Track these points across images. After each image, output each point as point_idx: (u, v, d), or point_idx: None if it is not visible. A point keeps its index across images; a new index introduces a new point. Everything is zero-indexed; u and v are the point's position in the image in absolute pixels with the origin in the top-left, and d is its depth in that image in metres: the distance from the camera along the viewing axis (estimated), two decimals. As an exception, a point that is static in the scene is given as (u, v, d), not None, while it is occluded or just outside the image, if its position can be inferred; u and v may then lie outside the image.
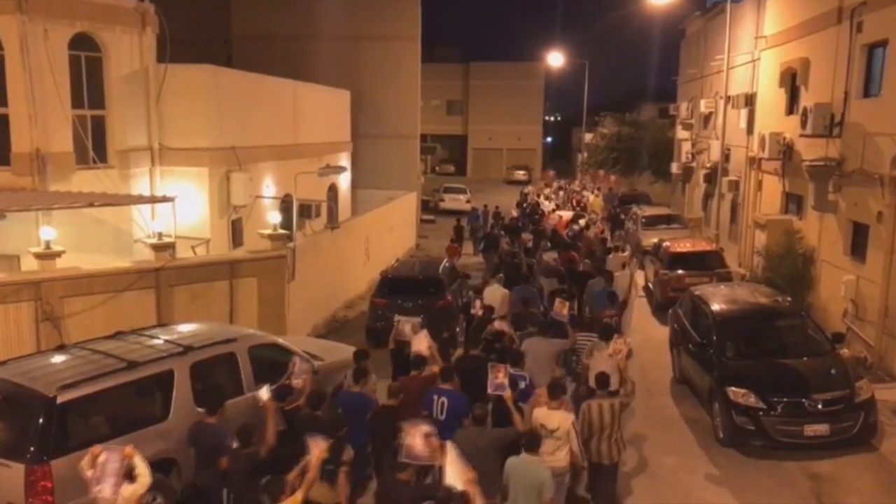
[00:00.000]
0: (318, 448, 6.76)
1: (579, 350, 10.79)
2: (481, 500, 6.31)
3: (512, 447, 7.54)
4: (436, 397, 8.41)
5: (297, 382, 8.80)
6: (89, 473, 6.42)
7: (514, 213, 30.11)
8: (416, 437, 6.86)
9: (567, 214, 28.10)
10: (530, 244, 20.65)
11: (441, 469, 6.72)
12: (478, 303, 12.71)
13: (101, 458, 6.39)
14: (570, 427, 7.78)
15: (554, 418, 7.79)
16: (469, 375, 8.95)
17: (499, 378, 8.22)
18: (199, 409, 8.69)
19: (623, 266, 16.01)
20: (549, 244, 20.48)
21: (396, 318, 11.60)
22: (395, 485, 6.74)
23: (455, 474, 6.43)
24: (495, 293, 13.48)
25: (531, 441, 7.19)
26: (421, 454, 6.83)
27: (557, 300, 11.66)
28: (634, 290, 14.53)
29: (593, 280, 14.58)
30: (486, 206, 30.26)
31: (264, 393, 8.06)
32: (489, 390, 8.21)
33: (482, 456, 7.18)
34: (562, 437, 7.73)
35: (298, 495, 6.31)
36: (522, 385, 8.87)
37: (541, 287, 14.95)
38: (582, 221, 25.68)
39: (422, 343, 9.90)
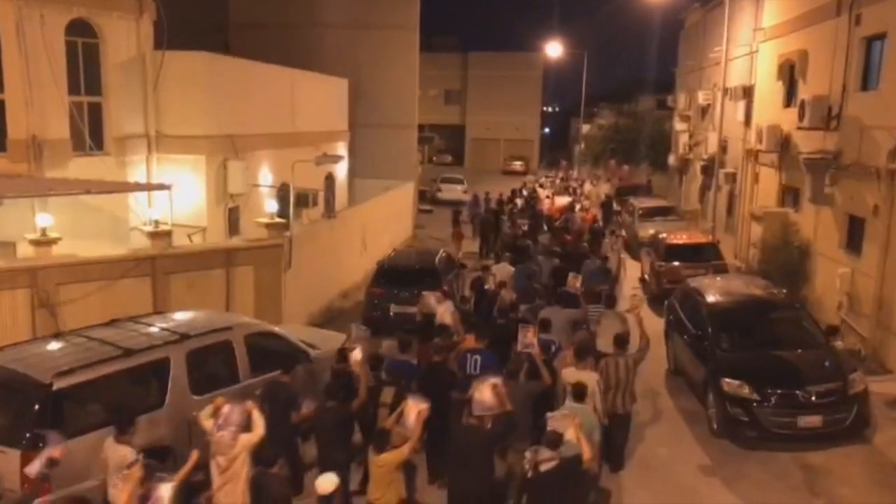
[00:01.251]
0: (418, 408, 7.59)
1: (590, 319, 11.86)
2: (587, 443, 7.28)
3: (540, 398, 8.77)
4: (469, 356, 9.54)
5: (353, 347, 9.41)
6: (209, 423, 7.34)
7: (517, 202, 31.71)
8: (485, 390, 7.73)
9: (561, 201, 29.99)
10: (525, 227, 22.42)
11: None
12: (491, 279, 13.86)
13: (226, 409, 7.32)
14: (595, 385, 8.74)
15: (581, 377, 8.68)
16: (496, 340, 10.15)
17: (528, 338, 9.29)
18: (195, 397, 8.73)
19: (611, 248, 18.46)
20: (546, 227, 22.47)
21: (423, 293, 12.75)
22: (466, 430, 7.69)
23: (563, 419, 7.33)
24: (503, 270, 14.85)
25: (578, 392, 8.19)
26: (491, 405, 7.69)
27: (571, 275, 13.29)
28: (623, 268, 16.62)
29: (588, 261, 16.01)
30: (487, 193, 30.83)
31: (357, 353, 8.85)
32: (519, 348, 9.31)
33: (516, 406, 8.07)
34: (588, 393, 8.49)
35: (405, 448, 7.25)
36: (553, 348, 10.06)
37: (539, 266, 15.97)
38: (578, 206, 27.84)
39: (446, 313, 11.28)
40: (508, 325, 10.80)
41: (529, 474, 6.94)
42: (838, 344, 11.85)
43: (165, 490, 6.10)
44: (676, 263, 17.47)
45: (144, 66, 15.03)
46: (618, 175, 40.39)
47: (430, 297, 12.28)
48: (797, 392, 10.09)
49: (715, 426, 10.63)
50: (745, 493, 9.17)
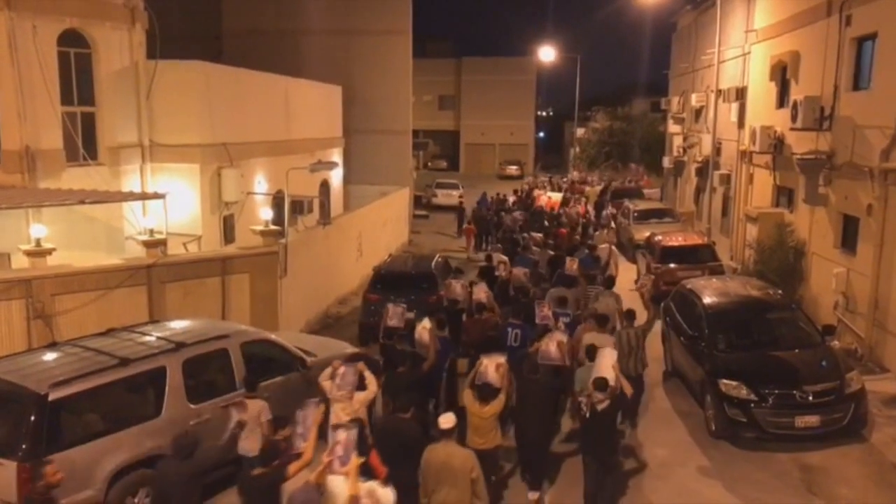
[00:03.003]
0: (495, 362, 8.76)
1: (588, 297, 13.54)
2: (626, 382, 8.72)
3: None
4: (510, 329, 11.15)
5: (393, 323, 10.96)
6: (328, 384, 8.55)
7: (513, 199, 34.08)
8: (552, 344, 9.67)
9: (555, 197, 32.95)
10: (521, 223, 24.63)
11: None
12: (501, 266, 15.41)
13: (341, 371, 8.50)
14: (612, 346, 9.98)
15: (600, 339, 10.27)
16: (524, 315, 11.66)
17: (544, 311, 11.25)
18: (192, 406, 8.71)
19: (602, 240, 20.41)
20: (546, 223, 24.55)
21: (448, 280, 14.18)
22: (528, 383, 9.05)
23: (606, 365, 8.65)
24: (498, 259, 16.42)
25: (592, 353, 9.51)
26: (555, 357, 9.61)
27: (568, 259, 15.15)
28: (613, 258, 17.69)
29: (579, 251, 17.57)
30: (498, 193, 33.21)
31: (427, 322, 10.32)
32: (537, 320, 11.12)
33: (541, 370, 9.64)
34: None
35: (503, 397, 8.36)
36: (567, 320, 11.93)
37: (535, 256, 17.71)
38: (572, 203, 30.75)
39: (481, 293, 12.60)
40: (529, 304, 12.28)
41: (588, 415, 8.11)
42: (835, 343, 11.87)
43: (349, 434, 6.48)
44: (672, 265, 17.51)
45: (137, 75, 15.01)
46: (636, 178, 40.85)
47: (456, 285, 13.48)
48: (794, 392, 10.11)
49: (713, 427, 10.64)
50: (744, 494, 9.16)
